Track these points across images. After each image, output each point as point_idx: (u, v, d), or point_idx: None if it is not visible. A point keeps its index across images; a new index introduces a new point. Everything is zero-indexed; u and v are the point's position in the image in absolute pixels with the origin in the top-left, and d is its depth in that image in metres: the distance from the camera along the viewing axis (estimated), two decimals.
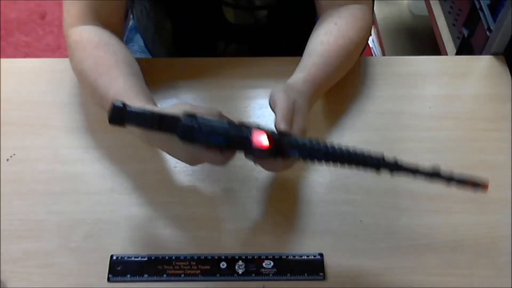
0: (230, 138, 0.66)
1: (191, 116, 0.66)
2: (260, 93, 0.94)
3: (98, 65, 0.80)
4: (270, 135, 0.67)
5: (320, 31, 0.86)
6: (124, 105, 0.66)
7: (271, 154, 0.68)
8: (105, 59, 0.80)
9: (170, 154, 0.75)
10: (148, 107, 0.72)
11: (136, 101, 0.73)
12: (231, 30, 0.99)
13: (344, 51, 0.85)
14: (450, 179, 0.65)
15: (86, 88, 0.84)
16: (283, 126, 0.69)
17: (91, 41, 0.83)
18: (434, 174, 0.65)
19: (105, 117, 0.90)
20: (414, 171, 0.66)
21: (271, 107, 0.73)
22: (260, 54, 0.99)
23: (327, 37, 0.85)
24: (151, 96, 0.78)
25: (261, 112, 0.91)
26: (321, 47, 0.84)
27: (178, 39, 1.06)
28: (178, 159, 0.74)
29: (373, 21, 0.92)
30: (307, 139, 0.68)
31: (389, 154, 0.85)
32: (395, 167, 0.66)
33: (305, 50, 0.85)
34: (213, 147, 0.68)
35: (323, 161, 0.69)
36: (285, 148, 0.68)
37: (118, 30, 0.89)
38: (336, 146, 0.68)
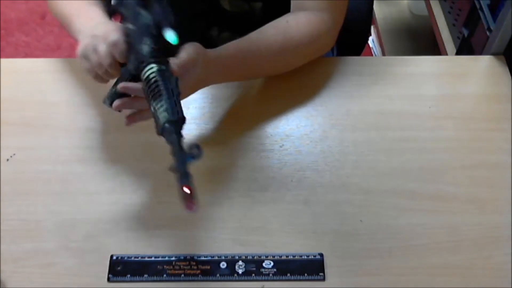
0: None
1: None
2: (262, 91, 0.94)
3: None
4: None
5: (269, 24, 0.88)
6: None
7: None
8: None
9: None
10: None
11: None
12: (226, 18, 0.99)
13: (278, 47, 0.86)
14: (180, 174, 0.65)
15: (63, 20, 0.89)
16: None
17: None
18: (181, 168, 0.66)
19: (105, 117, 0.90)
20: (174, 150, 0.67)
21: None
22: None
23: (270, 30, 0.86)
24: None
25: (265, 109, 0.91)
26: (258, 35, 0.86)
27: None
28: None
29: (331, 35, 0.90)
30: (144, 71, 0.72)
31: (390, 154, 0.86)
32: (165, 130, 0.68)
33: (247, 36, 0.86)
34: None
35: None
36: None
37: None
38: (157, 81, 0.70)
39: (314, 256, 0.76)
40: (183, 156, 0.66)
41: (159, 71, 0.71)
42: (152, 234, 0.78)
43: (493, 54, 0.99)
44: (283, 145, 0.87)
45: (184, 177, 0.65)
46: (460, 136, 0.88)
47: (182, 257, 0.75)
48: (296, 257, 0.75)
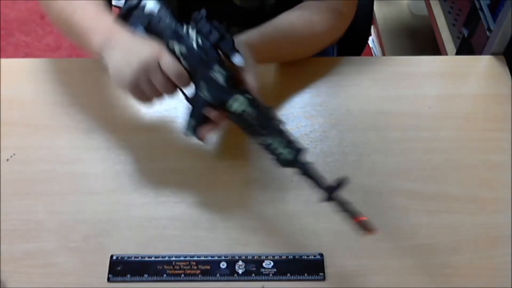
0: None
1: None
2: (262, 91, 0.94)
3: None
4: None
5: (295, 12, 0.90)
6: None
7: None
8: None
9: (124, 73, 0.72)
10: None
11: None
12: (236, 12, 0.99)
13: (304, 40, 0.90)
14: (342, 206, 0.69)
15: (70, 30, 0.83)
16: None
17: None
18: (328, 193, 0.69)
19: (104, 117, 0.90)
20: (314, 180, 0.71)
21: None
22: None
23: (297, 20, 0.89)
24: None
25: None
26: (288, 26, 0.88)
27: (182, 16, 1.06)
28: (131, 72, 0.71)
29: (343, 29, 0.94)
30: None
31: (389, 154, 0.86)
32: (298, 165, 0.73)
33: (272, 21, 0.87)
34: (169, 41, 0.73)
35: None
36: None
37: None
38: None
39: (314, 256, 0.76)
40: (320, 180, 0.71)
41: (250, 104, 0.72)
42: (152, 234, 0.78)
43: (493, 54, 0.99)
44: None
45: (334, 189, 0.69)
46: (460, 136, 0.88)
47: (182, 257, 0.75)
48: (296, 257, 0.75)
